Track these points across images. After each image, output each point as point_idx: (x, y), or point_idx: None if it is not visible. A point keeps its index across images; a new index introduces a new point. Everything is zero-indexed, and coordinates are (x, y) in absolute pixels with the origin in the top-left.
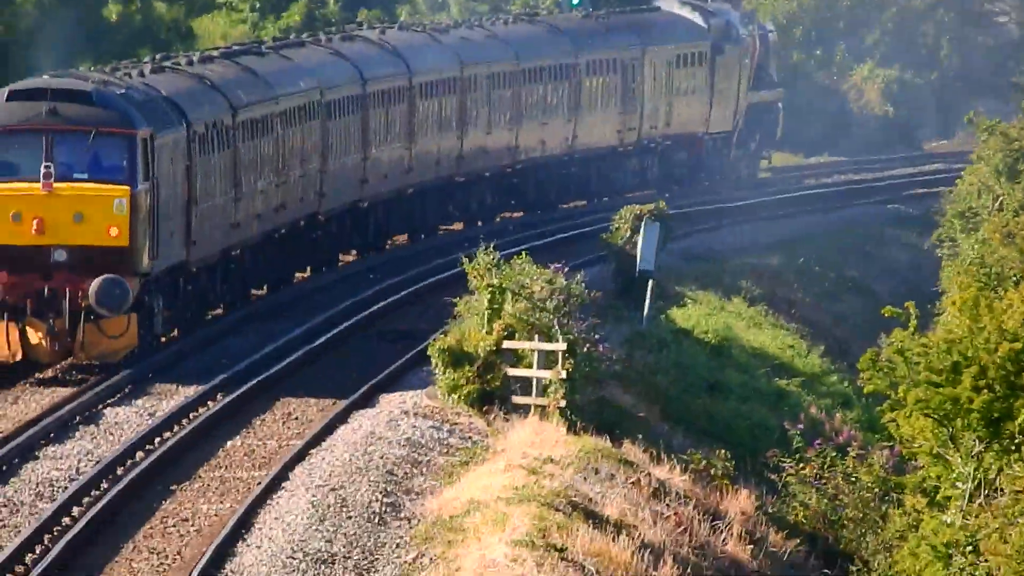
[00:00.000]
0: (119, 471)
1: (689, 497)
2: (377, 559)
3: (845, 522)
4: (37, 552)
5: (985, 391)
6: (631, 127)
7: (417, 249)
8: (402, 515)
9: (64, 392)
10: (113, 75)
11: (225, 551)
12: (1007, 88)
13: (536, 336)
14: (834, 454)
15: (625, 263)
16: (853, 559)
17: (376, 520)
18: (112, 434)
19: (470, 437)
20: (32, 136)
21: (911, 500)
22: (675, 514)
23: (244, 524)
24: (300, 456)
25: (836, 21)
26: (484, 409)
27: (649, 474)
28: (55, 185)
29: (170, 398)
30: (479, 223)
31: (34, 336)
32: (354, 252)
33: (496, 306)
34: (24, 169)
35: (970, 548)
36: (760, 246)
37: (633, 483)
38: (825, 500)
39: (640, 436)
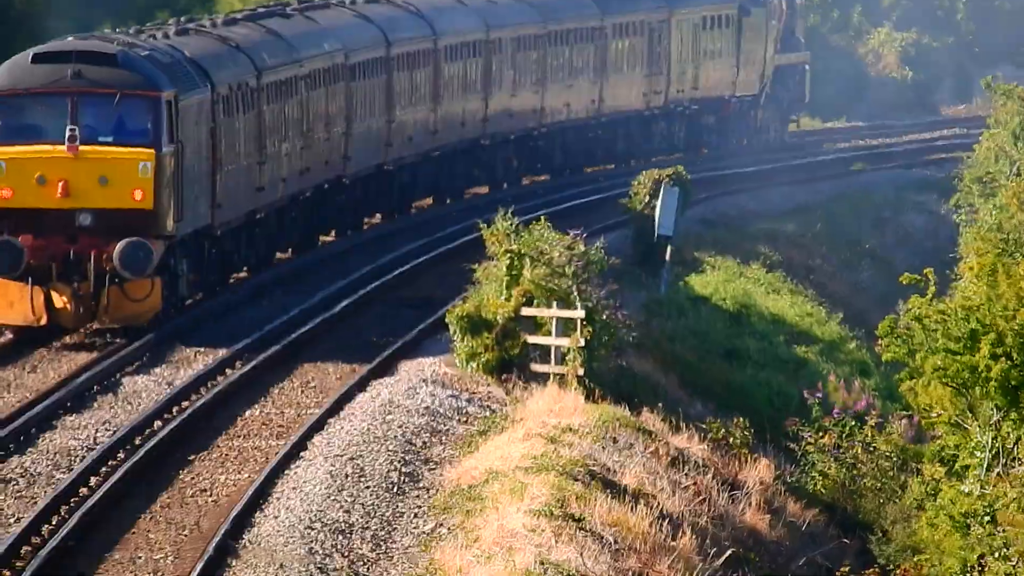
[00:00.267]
0: (137, 441)
1: (708, 466)
2: (395, 529)
3: (864, 492)
4: (54, 523)
5: (1003, 359)
6: (657, 90)
7: (441, 212)
8: (420, 485)
9: (82, 360)
10: (137, 37)
11: (243, 522)
12: None
13: (555, 303)
14: (853, 423)
15: (644, 228)
16: (872, 529)
17: (394, 490)
18: (130, 403)
19: (488, 406)
20: (57, 98)
21: (929, 469)
22: (694, 483)
23: (262, 494)
24: (319, 425)
25: None
26: (503, 377)
27: (668, 443)
28: (80, 148)
29: (188, 366)
30: (505, 186)
31: (59, 300)
32: (379, 216)
33: (515, 272)
34: (49, 132)
35: (988, 518)
36: (778, 211)
37: (652, 452)
38: (844, 470)
39: (659, 404)
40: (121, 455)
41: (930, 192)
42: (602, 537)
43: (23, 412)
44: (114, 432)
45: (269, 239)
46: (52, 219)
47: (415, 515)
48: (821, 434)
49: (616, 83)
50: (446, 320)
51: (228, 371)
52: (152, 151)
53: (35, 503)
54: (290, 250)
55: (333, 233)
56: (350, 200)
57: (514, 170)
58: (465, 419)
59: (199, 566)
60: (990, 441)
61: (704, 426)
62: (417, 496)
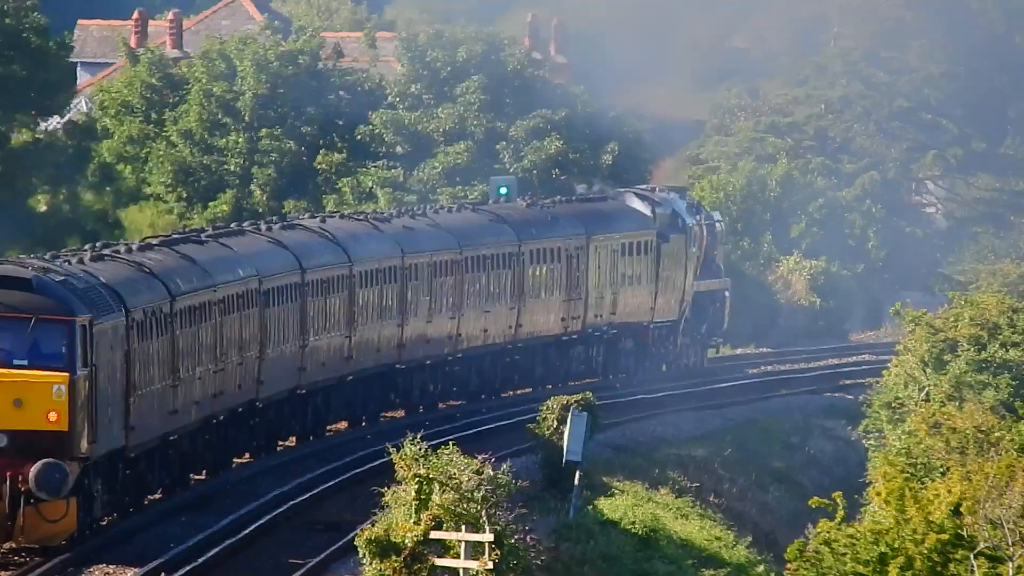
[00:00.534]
0: None
1: None
2: None
3: None
4: None
5: None
6: (575, 315)
7: (355, 436)
8: None
9: None
10: (53, 262)
11: None
12: (935, 279)
13: (463, 526)
14: None
15: (552, 453)
16: None
17: None
18: None
19: None
20: None
21: None
22: None
23: None
24: None
25: (763, 212)
26: None
27: None
28: None
29: None
30: (421, 409)
31: None
32: (293, 439)
33: (424, 496)
34: None
35: None
36: (688, 436)
37: None
38: None
39: None
40: None
41: (839, 418)
42: None
43: None
44: None
45: (183, 460)
46: None
47: None
48: None
49: (534, 308)
50: (355, 543)
51: None
52: (66, 374)
53: None
54: (204, 472)
55: (247, 455)
56: (263, 423)
57: (431, 394)
58: None
59: None
60: None
61: None
62: None
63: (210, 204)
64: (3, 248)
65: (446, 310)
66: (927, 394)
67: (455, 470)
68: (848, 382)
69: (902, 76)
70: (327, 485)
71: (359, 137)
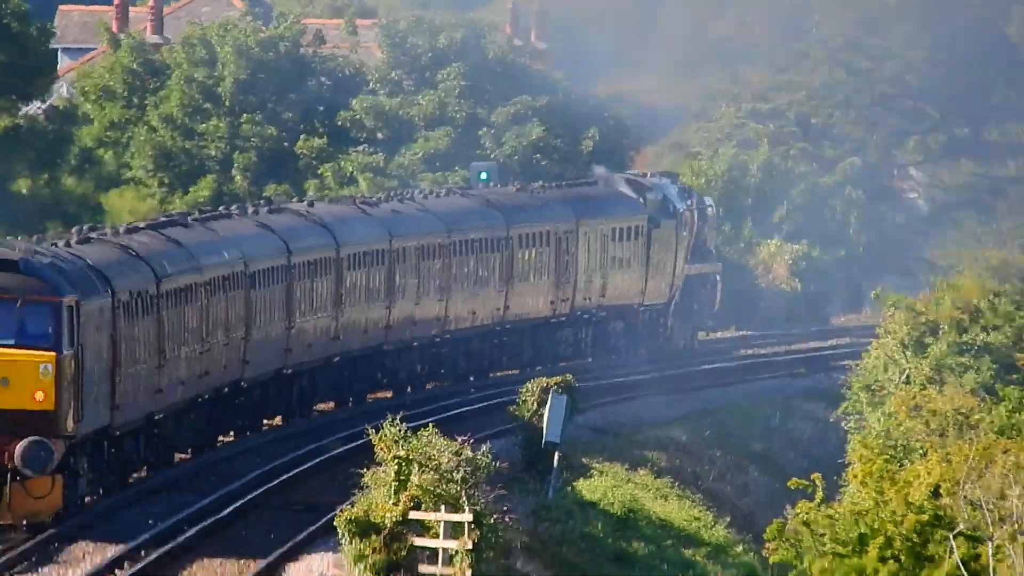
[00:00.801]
0: None
1: None
2: None
3: None
4: None
5: (891, 561)
6: (564, 298)
7: (341, 416)
8: None
9: None
10: (40, 244)
11: None
12: (915, 263)
13: (443, 507)
14: None
15: (532, 435)
16: None
17: None
18: None
19: None
20: None
21: None
22: None
23: None
24: None
25: (744, 198)
26: None
27: None
28: None
29: (76, 565)
30: (409, 390)
31: None
32: (279, 418)
33: (403, 477)
34: None
35: None
36: (666, 419)
37: None
38: None
39: None
40: None
41: (819, 400)
42: None
43: None
44: None
45: (168, 440)
46: None
47: None
48: None
49: (522, 291)
50: (335, 524)
51: (117, 572)
52: (53, 354)
53: None
54: (189, 450)
55: (232, 434)
56: (248, 403)
57: (418, 375)
58: None
59: None
60: None
61: None
62: None
63: (191, 189)
64: None
65: (434, 292)
66: (907, 377)
67: (434, 451)
68: (829, 365)
69: (884, 62)
70: (310, 464)
71: (340, 123)
